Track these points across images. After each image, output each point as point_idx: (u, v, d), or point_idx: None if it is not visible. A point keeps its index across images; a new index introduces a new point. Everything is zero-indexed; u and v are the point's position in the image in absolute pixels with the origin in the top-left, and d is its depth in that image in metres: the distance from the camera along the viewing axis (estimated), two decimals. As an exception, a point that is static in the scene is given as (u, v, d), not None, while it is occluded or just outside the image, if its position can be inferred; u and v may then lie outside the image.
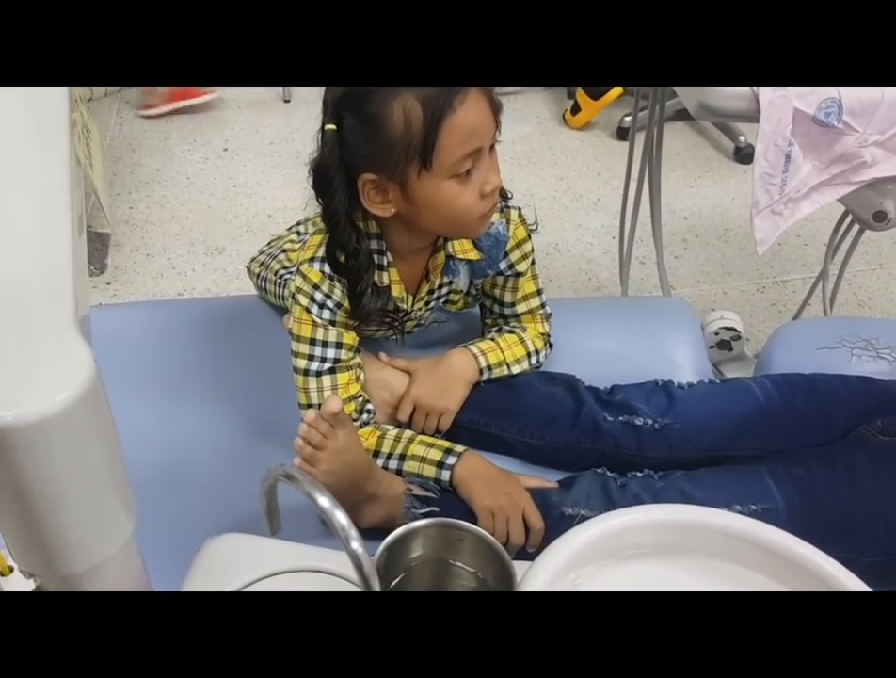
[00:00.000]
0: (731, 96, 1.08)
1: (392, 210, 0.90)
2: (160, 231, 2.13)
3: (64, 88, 0.71)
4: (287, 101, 2.61)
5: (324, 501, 0.47)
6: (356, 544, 0.46)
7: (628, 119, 2.55)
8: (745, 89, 1.07)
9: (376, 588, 0.47)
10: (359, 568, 0.46)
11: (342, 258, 0.93)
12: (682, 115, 2.54)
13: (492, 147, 0.90)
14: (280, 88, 2.61)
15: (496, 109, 0.89)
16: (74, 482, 0.49)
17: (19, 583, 0.54)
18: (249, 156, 2.40)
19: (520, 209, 1.04)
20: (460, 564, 0.61)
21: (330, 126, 0.87)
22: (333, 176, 0.88)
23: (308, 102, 2.60)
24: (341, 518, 0.46)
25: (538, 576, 0.53)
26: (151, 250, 2.08)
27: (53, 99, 0.69)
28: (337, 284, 0.95)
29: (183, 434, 1.02)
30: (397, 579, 0.60)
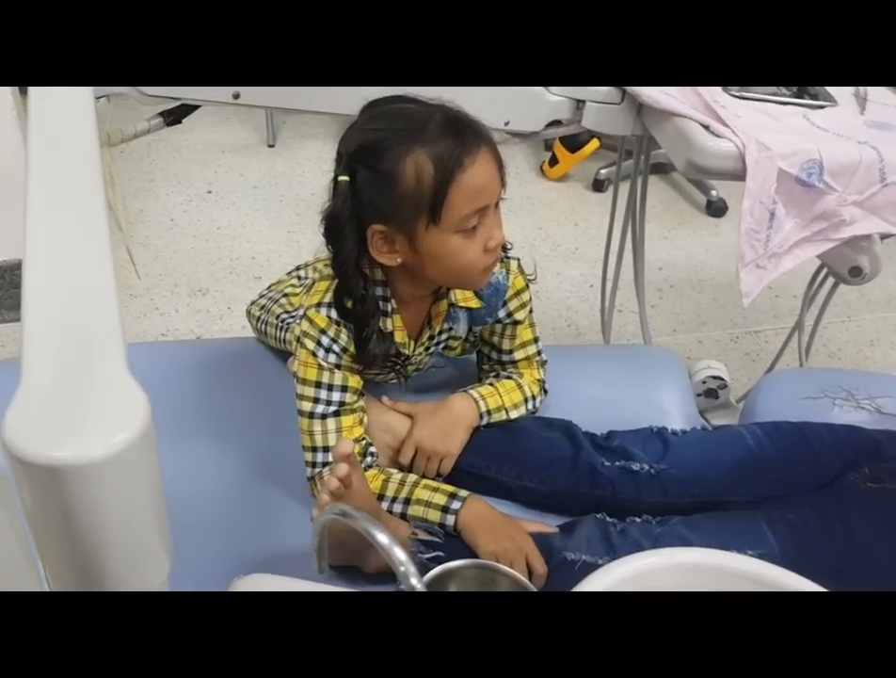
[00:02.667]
0: (719, 155, 1.13)
1: (399, 260, 0.93)
2: (143, 271, 2.14)
3: (94, 133, 0.73)
4: (271, 145, 2.64)
5: (382, 538, 0.48)
6: (414, 581, 0.47)
7: (604, 171, 2.63)
8: (733, 149, 1.12)
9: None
10: (415, 605, 0.47)
11: (349, 304, 0.95)
12: (657, 169, 2.62)
13: (497, 204, 0.94)
14: (265, 133, 2.64)
15: (502, 167, 0.92)
16: (121, 522, 0.50)
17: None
18: (233, 199, 2.42)
19: (518, 260, 1.07)
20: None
21: (344, 178, 0.90)
22: (344, 225, 0.91)
23: (291, 147, 2.63)
24: (399, 554, 0.48)
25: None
26: (134, 291, 2.08)
27: (88, 147, 0.71)
28: (343, 329, 0.97)
29: (182, 473, 1.02)
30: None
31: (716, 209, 2.58)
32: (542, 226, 2.49)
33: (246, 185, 2.49)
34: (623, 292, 2.04)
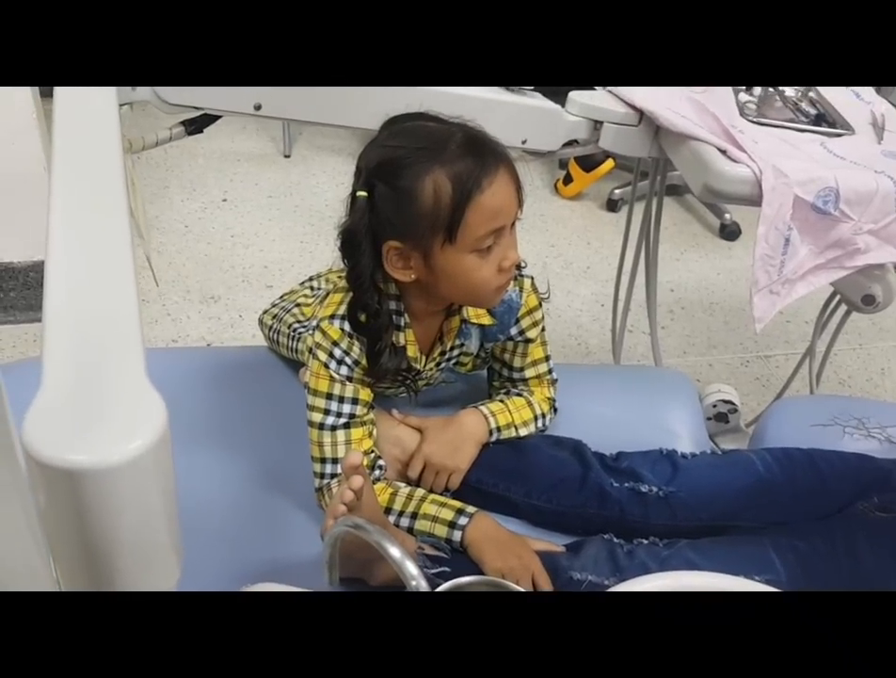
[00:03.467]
0: (736, 180, 1.14)
1: (413, 276, 0.94)
2: (156, 277, 2.15)
3: (118, 139, 0.74)
4: (287, 156, 2.66)
5: (395, 551, 0.48)
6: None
7: (618, 191, 2.64)
8: (749, 175, 1.13)
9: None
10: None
11: (363, 317, 0.96)
12: (671, 190, 2.63)
13: (513, 224, 0.94)
14: (281, 144, 2.66)
15: (520, 188, 0.93)
16: (134, 526, 0.50)
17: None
18: (248, 208, 2.44)
19: (532, 278, 1.07)
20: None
21: (362, 193, 0.90)
22: (361, 240, 0.91)
23: (307, 158, 2.65)
24: (411, 568, 0.48)
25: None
26: (146, 296, 2.09)
27: (113, 150, 0.72)
28: (356, 342, 0.97)
29: (191, 481, 1.03)
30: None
31: (730, 233, 2.58)
32: (555, 244, 2.49)
33: (260, 194, 2.50)
34: (634, 312, 2.04)
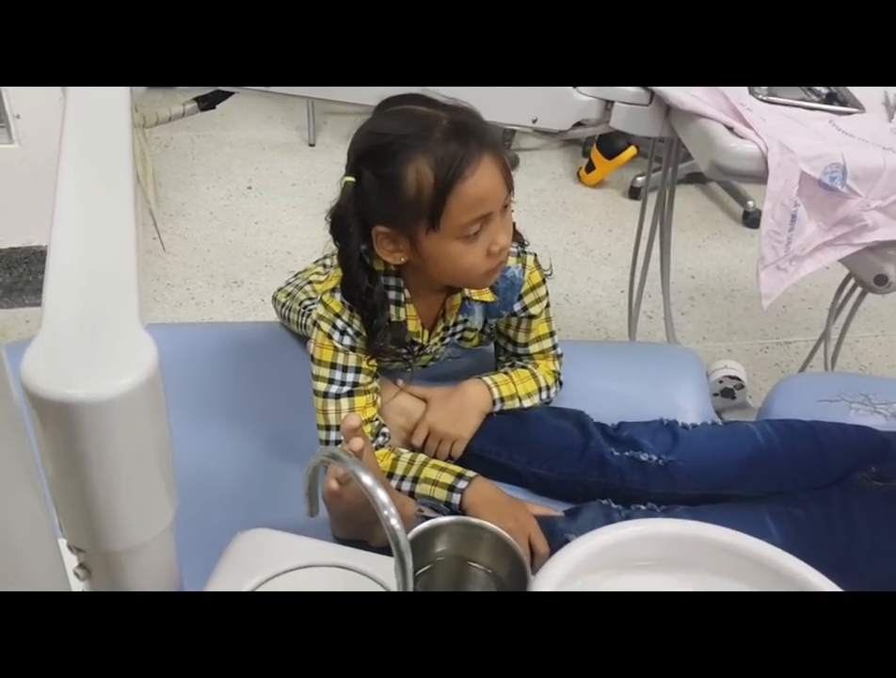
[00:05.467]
0: (742, 156, 1.14)
1: (402, 259, 0.96)
2: (181, 262, 2.20)
3: (127, 108, 0.77)
4: (312, 145, 2.69)
5: (367, 479, 0.51)
6: (394, 521, 0.50)
7: (640, 179, 2.63)
8: (755, 151, 1.13)
9: (410, 562, 0.50)
10: (395, 543, 0.50)
11: (356, 296, 0.98)
12: (694, 178, 2.62)
13: (505, 207, 0.94)
14: (306, 132, 2.70)
15: (507, 173, 0.92)
16: (129, 461, 0.53)
17: (65, 557, 0.58)
18: (272, 195, 2.48)
19: (535, 255, 1.09)
20: (478, 564, 0.64)
21: (350, 179, 0.92)
22: (349, 223, 0.93)
23: (331, 147, 2.69)
24: (382, 496, 0.50)
25: (550, 577, 0.57)
26: (171, 280, 2.14)
27: (117, 120, 0.75)
28: (356, 315, 1.00)
29: (205, 449, 1.06)
30: (422, 570, 0.64)
31: (752, 220, 2.56)
32: (576, 231, 2.50)
33: (285, 182, 2.54)
34: (655, 299, 2.05)
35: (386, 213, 0.92)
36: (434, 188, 0.88)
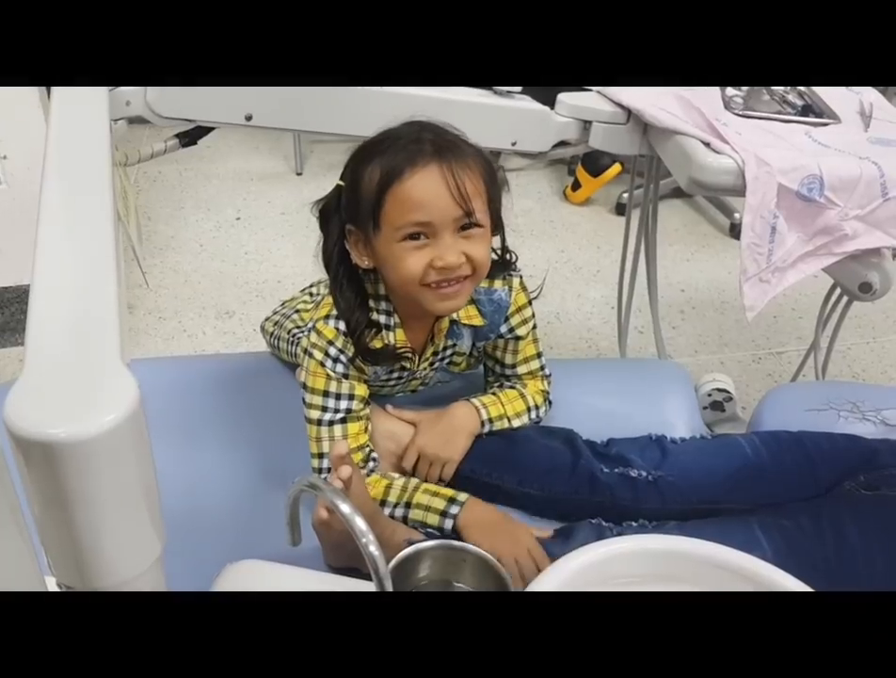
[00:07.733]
0: (719, 171, 1.16)
1: (368, 262, 0.99)
2: (172, 295, 2.21)
3: (108, 148, 0.78)
4: (299, 173, 2.71)
5: (345, 508, 0.51)
6: (373, 548, 0.50)
7: (626, 195, 2.65)
8: (732, 165, 1.15)
9: (389, 588, 0.51)
10: (375, 570, 0.50)
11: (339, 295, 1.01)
12: (679, 192, 2.64)
13: (465, 227, 0.93)
14: (293, 162, 2.72)
15: (463, 194, 0.90)
16: (113, 497, 0.53)
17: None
18: (261, 225, 2.49)
19: (521, 277, 1.10)
20: (462, 585, 0.65)
21: (340, 182, 0.99)
22: (330, 218, 1.00)
23: (318, 175, 2.70)
24: (360, 523, 0.50)
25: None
26: (163, 314, 2.14)
27: (98, 160, 0.76)
28: (350, 341, 1.01)
29: (198, 479, 1.07)
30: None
31: (740, 232, 2.56)
32: (564, 249, 2.52)
33: (273, 211, 2.56)
34: (645, 313, 2.06)
35: (350, 211, 0.97)
36: (377, 186, 0.92)
